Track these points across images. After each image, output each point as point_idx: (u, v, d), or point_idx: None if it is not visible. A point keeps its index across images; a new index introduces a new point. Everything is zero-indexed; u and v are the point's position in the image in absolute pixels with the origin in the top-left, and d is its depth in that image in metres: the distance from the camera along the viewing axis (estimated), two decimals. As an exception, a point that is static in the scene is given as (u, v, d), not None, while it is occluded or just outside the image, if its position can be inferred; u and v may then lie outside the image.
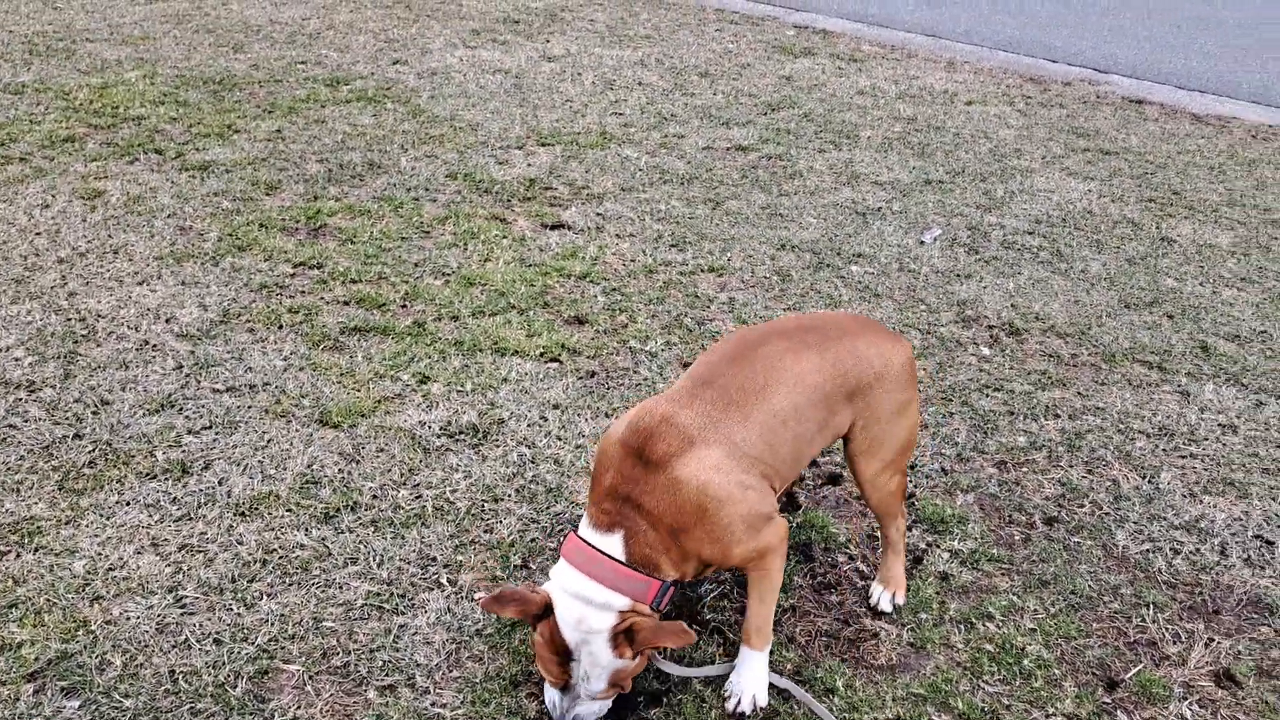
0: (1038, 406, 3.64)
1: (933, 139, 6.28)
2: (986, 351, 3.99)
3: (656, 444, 2.21)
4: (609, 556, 2.18)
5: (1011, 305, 4.33)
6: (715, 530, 2.20)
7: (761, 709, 2.39)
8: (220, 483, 3.01)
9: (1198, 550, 3.00)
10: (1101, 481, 3.28)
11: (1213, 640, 2.68)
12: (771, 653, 2.50)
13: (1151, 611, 2.77)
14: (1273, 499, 3.22)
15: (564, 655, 2.22)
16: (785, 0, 9.77)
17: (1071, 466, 3.34)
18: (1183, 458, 3.41)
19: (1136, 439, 3.50)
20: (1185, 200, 5.53)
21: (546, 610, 2.20)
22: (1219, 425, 3.59)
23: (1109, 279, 4.62)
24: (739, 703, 2.40)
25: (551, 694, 2.29)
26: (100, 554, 2.72)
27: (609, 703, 2.31)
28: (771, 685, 2.44)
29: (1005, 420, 3.56)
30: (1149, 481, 3.28)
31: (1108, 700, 2.50)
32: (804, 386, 2.36)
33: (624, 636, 2.16)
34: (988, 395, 3.69)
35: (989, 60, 8.14)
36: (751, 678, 2.41)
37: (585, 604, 2.18)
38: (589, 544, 2.21)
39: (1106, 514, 3.14)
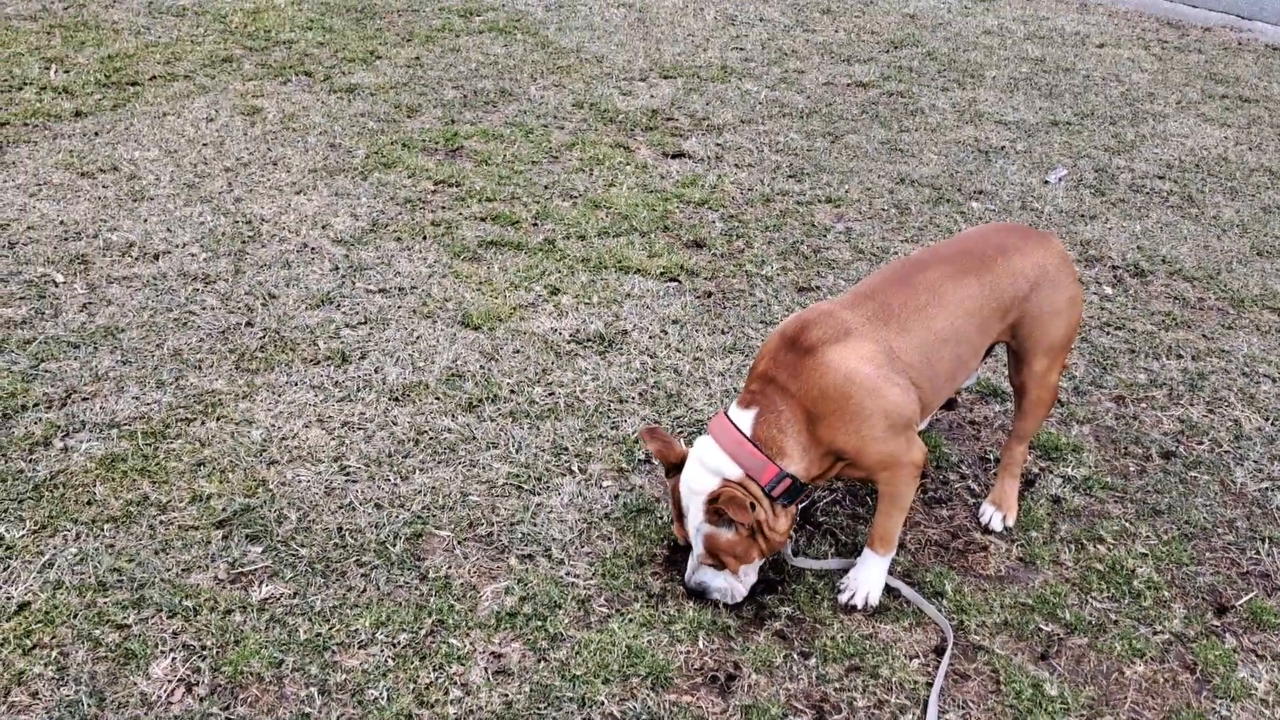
0: (1160, 346, 3.64)
1: (1061, 80, 6.16)
2: (1109, 291, 3.98)
3: (811, 331, 2.33)
4: (737, 429, 2.33)
5: (1137, 247, 4.29)
6: (854, 420, 2.28)
7: (872, 606, 2.52)
8: (376, 371, 3.26)
9: (1319, 492, 3.01)
10: (1223, 421, 3.29)
11: (1329, 577, 2.71)
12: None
13: (1267, 545, 2.81)
14: (1402, 446, 3.19)
15: (680, 511, 2.41)
16: (913, -60, 9.54)
17: (1192, 405, 3.36)
18: (1308, 402, 3.39)
19: (1261, 382, 3.48)
20: (1329, 150, 5.35)
21: (680, 465, 2.40)
22: (1349, 373, 3.54)
23: (1242, 225, 4.53)
24: (853, 596, 2.53)
25: (691, 558, 2.46)
26: (274, 425, 3.00)
27: (734, 582, 2.44)
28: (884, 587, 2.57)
29: (1126, 358, 3.57)
30: (1272, 424, 3.28)
31: (1217, 623, 2.56)
32: (964, 311, 2.45)
33: (712, 503, 2.30)
34: (1108, 333, 3.71)
35: (1124, 3, 7.87)
36: (868, 577, 2.54)
37: (701, 466, 2.34)
38: (728, 418, 2.37)
39: (1226, 452, 3.15)
